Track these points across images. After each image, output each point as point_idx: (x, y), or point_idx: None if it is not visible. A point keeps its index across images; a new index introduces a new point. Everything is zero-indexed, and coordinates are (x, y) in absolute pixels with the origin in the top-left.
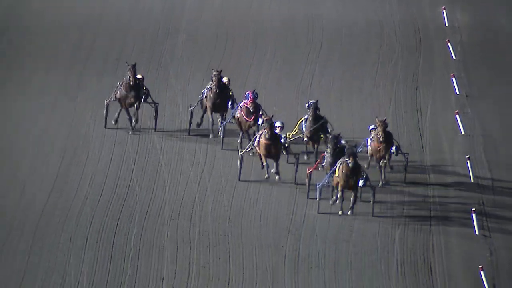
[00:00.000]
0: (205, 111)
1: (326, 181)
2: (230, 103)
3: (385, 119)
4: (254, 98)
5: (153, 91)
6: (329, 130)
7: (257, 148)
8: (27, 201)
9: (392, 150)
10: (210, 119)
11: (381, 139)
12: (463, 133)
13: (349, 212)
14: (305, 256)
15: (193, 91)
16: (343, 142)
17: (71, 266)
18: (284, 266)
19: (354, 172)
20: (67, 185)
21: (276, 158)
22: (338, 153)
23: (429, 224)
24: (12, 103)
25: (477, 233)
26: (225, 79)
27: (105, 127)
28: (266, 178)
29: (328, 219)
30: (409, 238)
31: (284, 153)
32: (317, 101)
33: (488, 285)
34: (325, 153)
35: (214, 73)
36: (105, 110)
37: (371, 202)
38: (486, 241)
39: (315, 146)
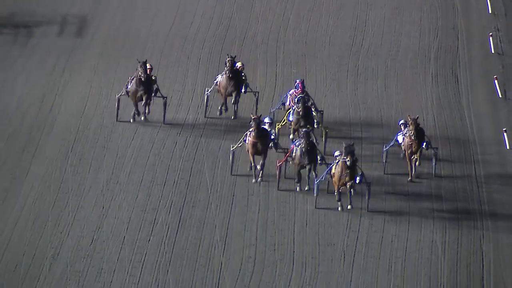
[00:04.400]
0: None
1: (323, 177)
2: (243, 87)
3: (417, 117)
4: (303, 87)
5: None
6: (314, 121)
7: (246, 145)
8: (156, 29)
9: (423, 146)
10: (224, 107)
11: (413, 137)
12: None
13: (349, 207)
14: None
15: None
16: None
17: (188, 77)
18: None
19: (351, 170)
20: (184, 17)
21: (264, 156)
22: (309, 147)
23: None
24: None
25: None
26: (238, 64)
27: (117, 120)
28: (254, 182)
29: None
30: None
31: (273, 149)
32: (306, 94)
33: None
34: (294, 146)
35: (228, 59)
36: (116, 104)
37: (367, 198)
38: None
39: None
